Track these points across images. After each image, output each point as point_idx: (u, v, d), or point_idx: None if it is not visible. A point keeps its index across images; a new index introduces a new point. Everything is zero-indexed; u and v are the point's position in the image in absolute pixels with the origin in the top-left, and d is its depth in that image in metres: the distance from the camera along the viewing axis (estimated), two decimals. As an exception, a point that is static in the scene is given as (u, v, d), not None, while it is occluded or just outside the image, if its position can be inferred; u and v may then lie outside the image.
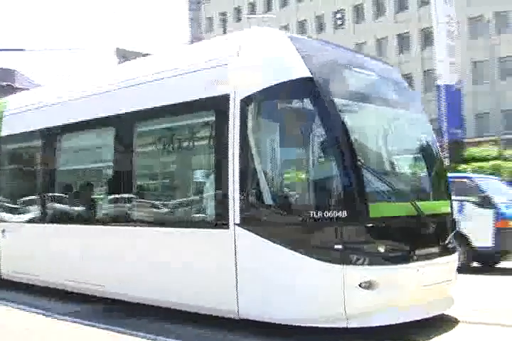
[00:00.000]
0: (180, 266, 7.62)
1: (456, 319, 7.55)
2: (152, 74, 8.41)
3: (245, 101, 7.10)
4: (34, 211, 10.23)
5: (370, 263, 6.53)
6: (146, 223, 8.31)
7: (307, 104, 6.80)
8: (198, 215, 7.76)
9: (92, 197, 9.66)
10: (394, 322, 6.56)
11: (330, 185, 6.71)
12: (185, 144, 8.12)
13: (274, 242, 6.72)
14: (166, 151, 8.37)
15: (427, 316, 6.90)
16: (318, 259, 6.51)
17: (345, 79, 7.35)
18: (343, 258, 6.45)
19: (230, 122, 7.18)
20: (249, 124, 7.07)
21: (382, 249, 6.59)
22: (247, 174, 6.99)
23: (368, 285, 6.44)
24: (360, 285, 6.43)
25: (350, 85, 7.36)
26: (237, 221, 7.00)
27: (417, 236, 7.01)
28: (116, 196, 8.71)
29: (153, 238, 8.02)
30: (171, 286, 7.75)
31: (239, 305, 7.00)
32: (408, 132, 8.05)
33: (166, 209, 8.30)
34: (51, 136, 9.94)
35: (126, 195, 8.51)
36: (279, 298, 6.77)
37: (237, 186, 7.00)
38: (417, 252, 6.88)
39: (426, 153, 8.00)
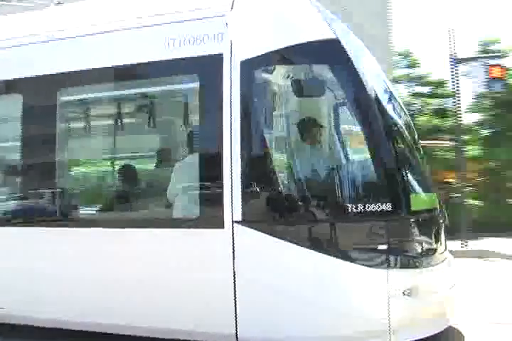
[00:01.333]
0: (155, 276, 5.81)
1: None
2: (104, 24, 6.33)
3: (249, 65, 5.49)
4: None
5: (412, 266, 5.46)
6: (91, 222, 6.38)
7: (340, 73, 5.52)
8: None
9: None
10: (431, 334, 5.56)
11: (370, 172, 5.43)
12: (157, 119, 6.41)
13: (294, 243, 5.31)
14: (128, 128, 6.62)
15: (448, 324, 6.00)
16: (357, 263, 5.28)
17: (355, 47, 6.12)
18: (387, 261, 5.29)
19: (225, 92, 5.53)
20: (256, 95, 5.55)
21: (419, 249, 5.57)
22: (251, 160, 5.50)
23: (410, 292, 5.36)
24: (403, 293, 5.34)
25: (358, 55, 6.12)
26: (238, 218, 5.45)
27: (438, 232, 6.06)
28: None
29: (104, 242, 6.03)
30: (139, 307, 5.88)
31: (238, 325, 5.45)
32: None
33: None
34: None
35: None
36: (297, 313, 5.37)
37: (236, 177, 5.43)
38: (440, 250, 5.98)
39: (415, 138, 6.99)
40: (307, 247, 5.32)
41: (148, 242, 5.82)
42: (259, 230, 5.39)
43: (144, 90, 6.56)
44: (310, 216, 5.44)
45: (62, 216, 6.31)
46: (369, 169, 5.42)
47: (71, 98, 6.74)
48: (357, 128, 5.47)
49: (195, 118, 6.00)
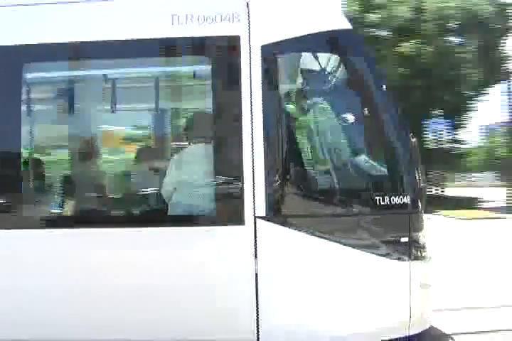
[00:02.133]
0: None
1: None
2: None
3: (271, 50, 5.16)
4: None
5: (424, 258, 5.51)
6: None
7: (363, 63, 5.42)
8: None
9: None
10: (428, 327, 5.67)
11: (391, 166, 5.40)
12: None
13: (321, 237, 5.10)
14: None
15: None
16: (382, 256, 5.21)
17: None
18: (409, 253, 5.28)
19: (244, 79, 5.13)
20: (279, 83, 5.25)
21: (425, 241, 5.63)
22: (274, 153, 5.17)
23: (423, 284, 5.45)
24: (420, 285, 5.38)
25: None
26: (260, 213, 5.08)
27: None
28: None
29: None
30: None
31: (260, 329, 5.09)
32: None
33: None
34: None
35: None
36: (321, 310, 5.17)
37: (259, 171, 5.09)
38: None
39: None
40: (333, 241, 5.14)
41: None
42: (284, 225, 5.10)
43: (145, 70, 6.01)
44: (335, 209, 5.31)
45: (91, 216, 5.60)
46: (390, 163, 5.41)
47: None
48: (374, 120, 5.40)
49: (206, 104, 5.55)
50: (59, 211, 5.81)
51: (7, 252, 5.14)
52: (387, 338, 5.24)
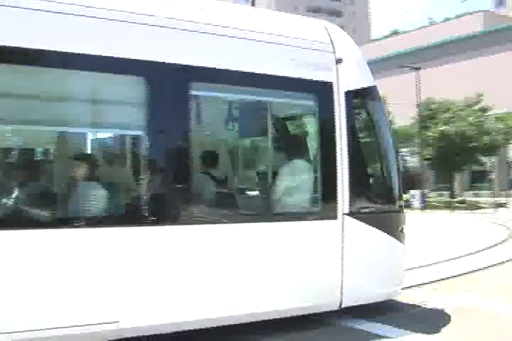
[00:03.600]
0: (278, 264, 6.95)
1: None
2: (233, 29, 6.92)
3: (351, 94, 7.59)
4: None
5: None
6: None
7: (384, 107, 8.68)
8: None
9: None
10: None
11: (399, 182, 8.48)
12: (275, 125, 8.13)
13: (378, 229, 7.77)
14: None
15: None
16: (400, 241, 8.21)
17: None
18: (403, 239, 8.37)
19: (336, 112, 7.41)
20: (356, 117, 7.83)
21: None
22: (355, 166, 7.52)
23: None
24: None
25: None
26: (346, 211, 7.38)
27: None
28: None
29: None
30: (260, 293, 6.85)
31: (343, 294, 7.33)
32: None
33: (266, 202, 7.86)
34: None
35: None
36: (381, 279, 7.95)
37: (345, 177, 7.36)
38: None
39: None
40: (383, 230, 7.82)
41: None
42: (357, 219, 7.49)
43: (263, 98, 7.73)
44: (391, 208, 8.28)
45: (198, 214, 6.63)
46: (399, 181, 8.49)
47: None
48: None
49: (314, 130, 7.64)
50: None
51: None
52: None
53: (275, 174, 7.80)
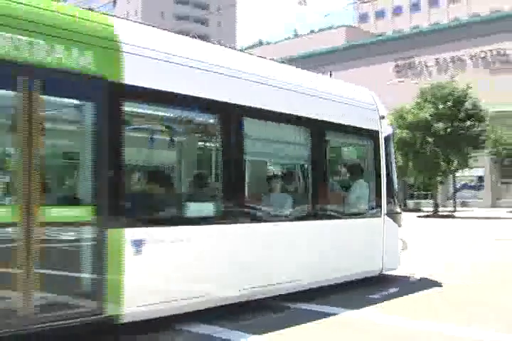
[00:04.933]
0: (353, 244, 10.36)
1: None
2: (322, 92, 10.02)
3: (386, 138, 11.57)
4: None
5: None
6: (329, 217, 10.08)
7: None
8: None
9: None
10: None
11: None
12: (333, 158, 11.30)
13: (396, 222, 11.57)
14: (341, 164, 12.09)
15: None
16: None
17: None
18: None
19: (381, 149, 11.35)
20: (388, 152, 11.64)
21: None
22: (389, 185, 11.46)
23: None
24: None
25: None
26: (384, 212, 11.21)
27: None
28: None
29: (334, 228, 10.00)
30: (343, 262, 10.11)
31: (384, 264, 11.07)
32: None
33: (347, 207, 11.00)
34: (226, 115, 8.15)
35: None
36: (396, 254, 11.51)
37: (384, 191, 11.24)
38: None
39: None
40: (396, 224, 11.61)
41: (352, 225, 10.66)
42: (389, 217, 11.31)
43: (335, 139, 10.81)
44: (398, 210, 11.97)
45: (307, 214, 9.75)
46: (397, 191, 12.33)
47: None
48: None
49: (370, 160, 11.43)
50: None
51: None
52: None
53: (351, 190, 11.15)
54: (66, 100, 6.78)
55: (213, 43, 9.16)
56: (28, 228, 5.81)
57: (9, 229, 5.76)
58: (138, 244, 6.69)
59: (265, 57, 9.93)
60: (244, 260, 8.03)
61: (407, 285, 10.90)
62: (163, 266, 7.03)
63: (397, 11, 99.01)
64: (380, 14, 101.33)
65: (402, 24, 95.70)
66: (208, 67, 7.87)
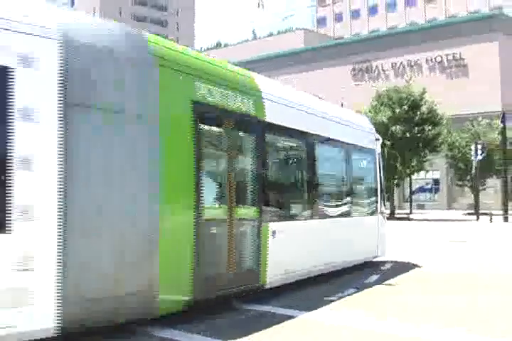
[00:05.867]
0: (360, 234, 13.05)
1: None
2: (341, 120, 12.57)
3: (379, 154, 14.58)
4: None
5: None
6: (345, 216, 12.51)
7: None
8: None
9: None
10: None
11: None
12: (354, 171, 13.42)
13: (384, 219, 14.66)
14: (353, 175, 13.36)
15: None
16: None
17: None
18: None
19: (376, 163, 14.43)
20: (380, 166, 14.60)
21: None
22: (381, 189, 14.42)
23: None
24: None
25: None
26: (379, 211, 14.24)
27: None
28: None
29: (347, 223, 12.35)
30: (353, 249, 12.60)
31: (378, 251, 13.98)
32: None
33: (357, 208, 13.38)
34: (307, 140, 10.84)
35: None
36: (385, 243, 14.58)
37: (379, 195, 14.20)
38: None
39: None
40: (384, 219, 14.69)
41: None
42: (381, 215, 14.39)
43: (355, 156, 13.31)
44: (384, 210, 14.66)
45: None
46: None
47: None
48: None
49: (370, 173, 14.48)
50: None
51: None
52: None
53: (363, 194, 14.12)
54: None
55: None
56: (230, 222, 8.32)
57: (223, 224, 8.25)
58: (274, 233, 9.14)
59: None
60: (322, 244, 10.88)
61: (363, 287, 10.72)
62: (289, 247, 9.71)
63: (355, 14, 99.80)
64: (338, 18, 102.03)
65: (360, 28, 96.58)
66: (306, 109, 10.86)
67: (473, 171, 44.04)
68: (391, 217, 44.10)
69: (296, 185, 11.12)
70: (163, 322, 7.41)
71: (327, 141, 11.64)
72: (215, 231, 8.21)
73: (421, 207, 60.01)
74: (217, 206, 8.56)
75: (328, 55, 70.95)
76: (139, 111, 6.87)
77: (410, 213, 49.36)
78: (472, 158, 42.35)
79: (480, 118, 50.72)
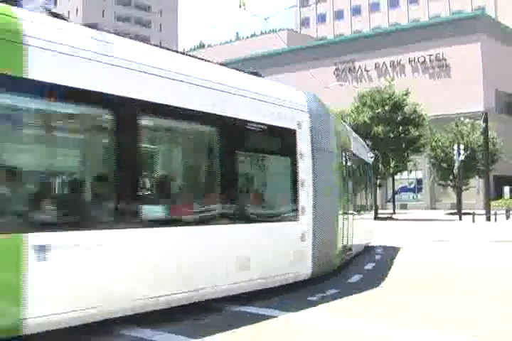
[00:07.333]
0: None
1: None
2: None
3: (370, 165, 16.21)
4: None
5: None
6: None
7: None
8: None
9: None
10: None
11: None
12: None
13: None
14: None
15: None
16: None
17: None
18: None
19: (369, 172, 17.43)
20: (371, 174, 16.69)
21: None
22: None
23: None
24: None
25: None
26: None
27: None
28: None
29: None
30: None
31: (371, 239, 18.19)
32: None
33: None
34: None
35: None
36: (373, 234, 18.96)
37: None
38: None
39: None
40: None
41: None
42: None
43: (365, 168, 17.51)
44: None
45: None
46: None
47: None
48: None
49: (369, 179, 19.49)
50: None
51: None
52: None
53: (368, 196, 19.13)
54: None
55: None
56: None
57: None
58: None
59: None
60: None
61: (345, 287, 10.67)
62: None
63: (339, 15, 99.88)
64: (321, 18, 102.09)
65: (343, 28, 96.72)
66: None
67: (456, 171, 44.16)
68: (374, 217, 44.20)
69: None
70: (141, 323, 7.31)
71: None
72: None
73: (404, 206, 60.14)
74: None
75: (311, 56, 70.96)
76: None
77: (393, 213, 49.44)
78: (455, 157, 42.45)
79: (462, 118, 50.87)
